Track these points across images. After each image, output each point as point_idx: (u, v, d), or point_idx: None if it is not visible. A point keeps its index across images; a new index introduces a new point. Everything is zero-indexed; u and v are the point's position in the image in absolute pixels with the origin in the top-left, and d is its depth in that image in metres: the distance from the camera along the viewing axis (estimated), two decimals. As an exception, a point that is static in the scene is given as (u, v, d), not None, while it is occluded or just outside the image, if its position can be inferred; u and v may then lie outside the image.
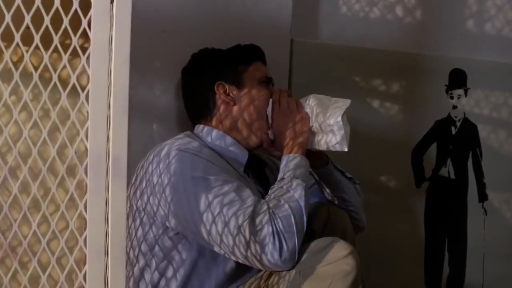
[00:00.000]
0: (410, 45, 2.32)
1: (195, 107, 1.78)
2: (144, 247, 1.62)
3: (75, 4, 1.17)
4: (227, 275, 1.60)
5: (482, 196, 2.40)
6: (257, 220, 1.49)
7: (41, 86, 1.18)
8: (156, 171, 1.58)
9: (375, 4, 2.30)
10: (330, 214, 1.78)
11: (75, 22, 1.17)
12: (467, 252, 2.38)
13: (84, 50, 1.18)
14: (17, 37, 1.16)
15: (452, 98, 2.37)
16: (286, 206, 1.52)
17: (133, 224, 1.63)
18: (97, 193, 1.17)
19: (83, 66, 1.18)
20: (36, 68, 1.19)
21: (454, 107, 2.37)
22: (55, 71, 1.18)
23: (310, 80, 2.14)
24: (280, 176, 1.62)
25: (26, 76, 1.21)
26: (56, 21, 1.17)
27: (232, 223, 1.49)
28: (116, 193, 1.17)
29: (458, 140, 2.38)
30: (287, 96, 1.75)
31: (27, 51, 1.18)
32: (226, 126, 1.73)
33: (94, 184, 1.17)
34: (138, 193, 1.62)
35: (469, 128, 2.39)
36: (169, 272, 1.60)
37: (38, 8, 1.16)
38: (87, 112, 1.17)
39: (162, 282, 1.60)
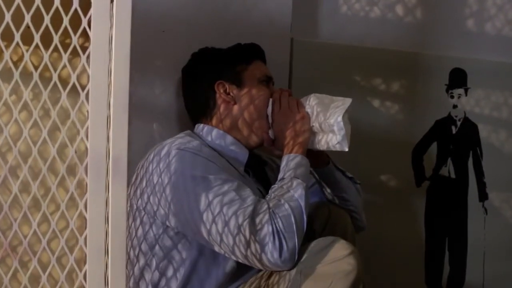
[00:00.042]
0: (410, 45, 2.32)
1: (195, 106, 1.78)
2: (144, 246, 1.61)
3: (75, 4, 1.17)
4: (227, 274, 1.60)
5: (483, 196, 2.40)
6: (257, 220, 1.49)
7: (41, 86, 1.18)
8: (156, 170, 1.58)
9: (375, 3, 2.29)
10: (331, 214, 1.78)
11: (75, 22, 1.17)
12: (468, 251, 2.38)
13: (84, 49, 1.18)
14: (17, 37, 1.16)
15: (452, 97, 2.37)
16: (286, 205, 1.51)
17: (133, 223, 1.63)
18: (97, 193, 1.17)
19: (83, 65, 1.19)
20: (36, 68, 1.19)
21: (455, 106, 2.37)
22: (55, 70, 1.18)
23: (310, 79, 2.14)
24: (280, 175, 1.61)
25: (26, 76, 1.20)
26: (56, 20, 1.17)
27: (232, 223, 1.49)
28: (116, 192, 1.18)
29: (458, 139, 2.37)
30: (287, 95, 1.74)
31: (27, 51, 1.18)
32: (227, 125, 1.72)
33: (94, 184, 1.17)
34: (138, 192, 1.62)
35: (469, 128, 2.38)
36: (169, 272, 1.60)
37: (38, 7, 1.16)
38: (87, 111, 1.17)
39: (162, 282, 1.60)
